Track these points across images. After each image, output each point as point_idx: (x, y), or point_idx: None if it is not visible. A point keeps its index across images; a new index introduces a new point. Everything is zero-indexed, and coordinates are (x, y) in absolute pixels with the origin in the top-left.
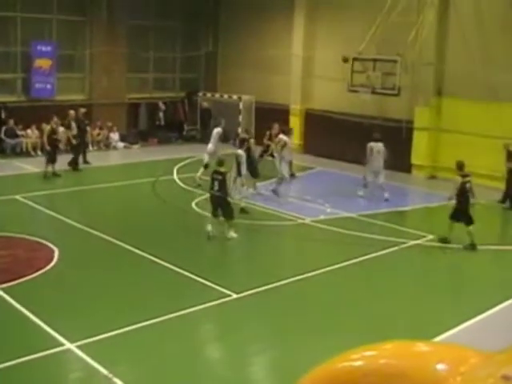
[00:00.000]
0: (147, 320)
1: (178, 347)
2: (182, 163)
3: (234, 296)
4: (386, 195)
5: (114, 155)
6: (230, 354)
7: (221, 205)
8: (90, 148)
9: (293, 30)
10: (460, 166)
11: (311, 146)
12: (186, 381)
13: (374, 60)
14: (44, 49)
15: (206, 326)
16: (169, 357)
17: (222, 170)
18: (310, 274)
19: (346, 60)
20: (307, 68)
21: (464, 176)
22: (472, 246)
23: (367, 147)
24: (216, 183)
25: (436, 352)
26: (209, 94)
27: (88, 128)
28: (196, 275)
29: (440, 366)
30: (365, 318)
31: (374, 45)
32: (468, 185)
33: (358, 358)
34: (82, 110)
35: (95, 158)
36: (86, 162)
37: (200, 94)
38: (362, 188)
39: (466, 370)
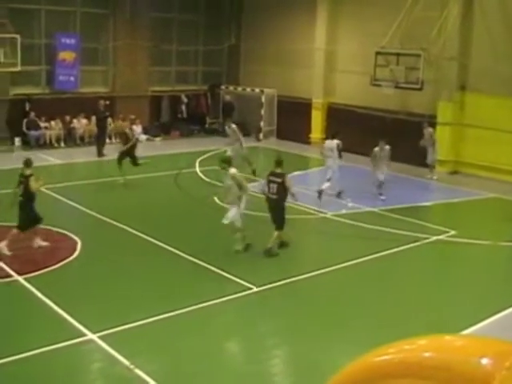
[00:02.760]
0: (168, 312)
1: (198, 339)
2: (204, 156)
3: (255, 289)
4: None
5: (137, 146)
6: (249, 347)
7: (274, 210)
8: (108, 140)
9: (316, 23)
10: None
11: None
12: (205, 373)
13: (398, 54)
14: (68, 41)
15: (226, 319)
16: (189, 349)
17: (279, 171)
18: (331, 269)
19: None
20: (330, 62)
21: None
22: None
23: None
24: (273, 186)
25: (478, 346)
26: (231, 88)
27: (109, 120)
28: (217, 268)
29: (484, 361)
30: (386, 312)
31: (397, 39)
32: None
33: (398, 351)
34: (102, 103)
35: (118, 150)
36: (101, 154)
37: (222, 87)
38: (378, 189)
39: (511, 365)
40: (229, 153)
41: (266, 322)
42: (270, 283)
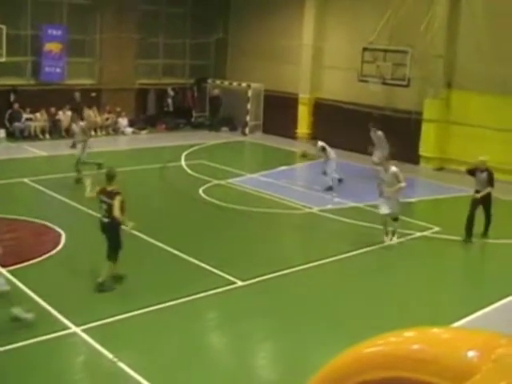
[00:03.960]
0: (153, 305)
1: (182, 333)
2: (190, 150)
3: (240, 283)
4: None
5: (122, 140)
6: (234, 342)
7: (106, 236)
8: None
9: (303, 19)
10: None
11: (320, 136)
12: (188, 367)
13: (385, 51)
14: (54, 33)
15: (211, 313)
16: (173, 343)
17: (111, 188)
18: (316, 263)
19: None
20: (317, 57)
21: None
22: None
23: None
24: (104, 207)
25: (465, 338)
26: (218, 81)
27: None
28: (202, 262)
29: (471, 353)
30: (372, 306)
31: (385, 35)
32: None
33: (386, 343)
34: (77, 94)
35: (103, 142)
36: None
37: (209, 80)
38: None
39: (497, 357)
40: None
41: (250, 317)
42: (255, 278)
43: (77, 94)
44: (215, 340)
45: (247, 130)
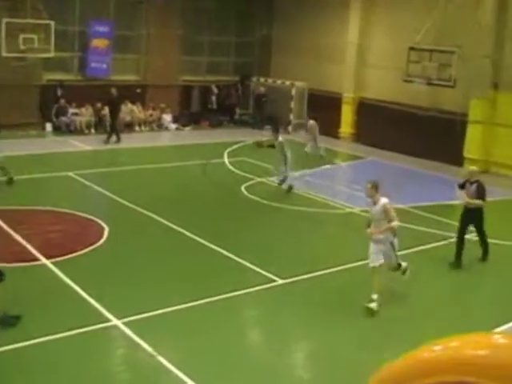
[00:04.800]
0: (193, 301)
1: (221, 329)
2: (233, 147)
3: (280, 282)
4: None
5: (165, 136)
6: (271, 339)
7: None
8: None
9: (349, 17)
10: None
11: (363, 136)
12: (228, 362)
13: (431, 50)
14: (101, 29)
15: (251, 310)
16: (212, 338)
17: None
18: (356, 264)
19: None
20: (362, 56)
21: None
22: None
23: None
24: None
25: None
26: (262, 79)
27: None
28: (242, 259)
29: None
30: (411, 310)
31: (431, 35)
32: None
33: (447, 348)
34: (114, 90)
35: (147, 138)
36: (107, 141)
37: (253, 78)
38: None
39: None
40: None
41: (289, 315)
42: (294, 276)
43: (113, 90)
44: (254, 337)
45: (290, 129)
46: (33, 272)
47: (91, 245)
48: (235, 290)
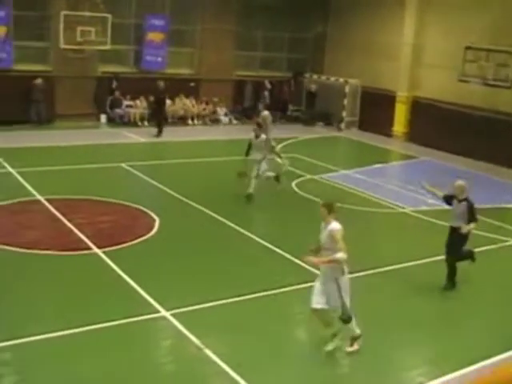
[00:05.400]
0: (241, 295)
1: (269, 325)
2: (285, 143)
3: None
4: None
5: (218, 130)
6: (316, 335)
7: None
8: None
9: (404, 15)
10: None
11: (416, 135)
12: (274, 357)
13: (488, 50)
14: (157, 22)
15: (300, 307)
16: (260, 333)
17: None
18: (405, 265)
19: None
20: (417, 55)
21: None
22: None
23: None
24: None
25: None
26: (315, 76)
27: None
28: (292, 255)
29: None
30: (465, 312)
31: (487, 34)
32: None
33: None
34: (161, 83)
35: (200, 132)
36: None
37: (306, 75)
38: None
39: None
40: None
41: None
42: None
43: (160, 83)
44: (300, 332)
45: (343, 126)
46: (84, 261)
47: (142, 236)
48: (285, 286)
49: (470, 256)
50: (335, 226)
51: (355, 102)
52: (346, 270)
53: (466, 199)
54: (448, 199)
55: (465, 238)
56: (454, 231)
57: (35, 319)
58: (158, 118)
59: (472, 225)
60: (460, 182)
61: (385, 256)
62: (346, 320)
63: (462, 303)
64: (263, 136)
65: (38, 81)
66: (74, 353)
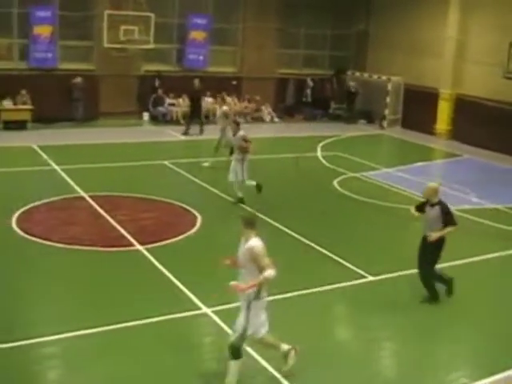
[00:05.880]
0: (283, 293)
1: (310, 324)
2: (327, 141)
3: (370, 278)
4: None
5: (260, 128)
6: (359, 336)
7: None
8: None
9: (448, 11)
10: None
11: (460, 133)
12: (315, 357)
13: None
14: (199, 21)
15: (340, 305)
16: (302, 332)
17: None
18: (446, 265)
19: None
20: (460, 52)
21: None
22: None
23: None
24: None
25: None
26: (357, 74)
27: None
28: (333, 253)
29: None
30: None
31: None
32: None
33: None
34: (197, 82)
35: (242, 130)
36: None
37: (349, 72)
38: None
39: None
40: None
41: (379, 312)
42: (385, 273)
43: (196, 81)
44: (342, 332)
45: (385, 124)
46: (127, 257)
47: (184, 233)
48: (325, 284)
49: (447, 284)
50: (255, 242)
51: (398, 99)
52: (265, 293)
53: (439, 203)
54: (420, 207)
55: (437, 248)
56: (425, 240)
57: (79, 314)
58: (194, 116)
59: (449, 228)
60: (431, 184)
61: (412, 257)
62: (235, 351)
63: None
64: (240, 133)
65: (78, 80)
66: (115, 348)
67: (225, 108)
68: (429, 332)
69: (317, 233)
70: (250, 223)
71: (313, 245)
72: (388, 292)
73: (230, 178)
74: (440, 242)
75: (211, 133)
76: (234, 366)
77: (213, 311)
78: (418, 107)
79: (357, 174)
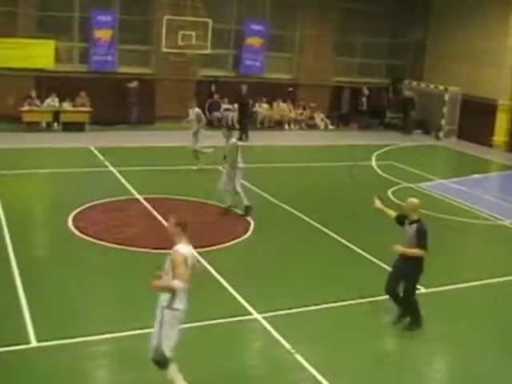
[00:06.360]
0: (333, 302)
1: (361, 333)
2: (381, 150)
3: (422, 290)
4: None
5: (314, 136)
6: (411, 347)
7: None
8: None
9: (508, 22)
10: None
11: None
12: (364, 368)
13: None
14: (257, 27)
15: (390, 317)
16: (351, 341)
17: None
18: (502, 279)
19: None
20: None
21: None
22: None
23: None
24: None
25: None
26: (414, 83)
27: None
28: (384, 263)
29: None
30: None
31: None
32: None
33: None
34: (244, 88)
35: (296, 137)
36: (240, 138)
37: (405, 81)
38: None
39: None
40: None
41: (432, 326)
42: (438, 286)
43: (244, 87)
44: (392, 344)
45: (441, 135)
46: None
47: (236, 238)
48: (377, 295)
49: (415, 317)
50: (180, 248)
51: (455, 110)
52: (181, 304)
53: (417, 221)
54: (400, 219)
55: (415, 270)
56: (402, 260)
57: (132, 315)
58: (243, 122)
59: (415, 250)
60: (412, 200)
61: (465, 270)
62: (159, 362)
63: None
64: (233, 140)
65: (133, 84)
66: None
67: (197, 110)
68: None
69: (368, 241)
70: (181, 225)
71: (364, 253)
72: (441, 305)
73: (218, 186)
74: (422, 263)
75: (265, 139)
76: (169, 374)
77: (263, 317)
78: (475, 118)
79: (411, 185)
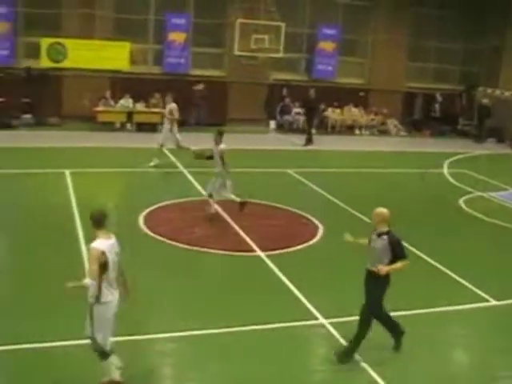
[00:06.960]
0: (402, 310)
1: (426, 343)
2: (454, 158)
3: (494, 302)
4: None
5: (386, 142)
6: (475, 361)
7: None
8: (314, 131)
9: None
10: None
11: None
12: (428, 375)
13: None
14: (329, 32)
15: (459, 328)
16: (417, 350)
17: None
18: None
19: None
20: None
21: None
22: None
23: None
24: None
25: None
26: (489, 90)
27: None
28: (454, 273)
29: None
30: None
31: None
32: None
33: None
34: (312, 92)
35: (367, 142)
36: (309, 142)
37: (480, 88)
38: None
39: None
40: None
41: (499, 339)
42: (510, 299)
43: (312, 91)
44: (458, 355)
45: None
46: (248, 262)
47: (305, 242)
48: (446, 305)
49: (396, 334)
50: (96, 244)
51: None
52: (110, 296)
53: (387, 232)
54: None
55: (381, 284)
56: (370, 275)
57: (196, 314)
58: (309, 126)
59: (399, 264)
60: (380, 209)
61: None
62: (99, 353)
63: None
64: (222, 146)
65: (199, 87)
66: (228, 351)
67: (173, 105)
68: None
69: (438, 251)
70: (97, 222)
71: (435, 263)
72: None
73: (207, 189)
74: (387, 279)
75: (336, 144)
76: (106, 363)
77: (330, 323)
78: None
79: (484, 194)
